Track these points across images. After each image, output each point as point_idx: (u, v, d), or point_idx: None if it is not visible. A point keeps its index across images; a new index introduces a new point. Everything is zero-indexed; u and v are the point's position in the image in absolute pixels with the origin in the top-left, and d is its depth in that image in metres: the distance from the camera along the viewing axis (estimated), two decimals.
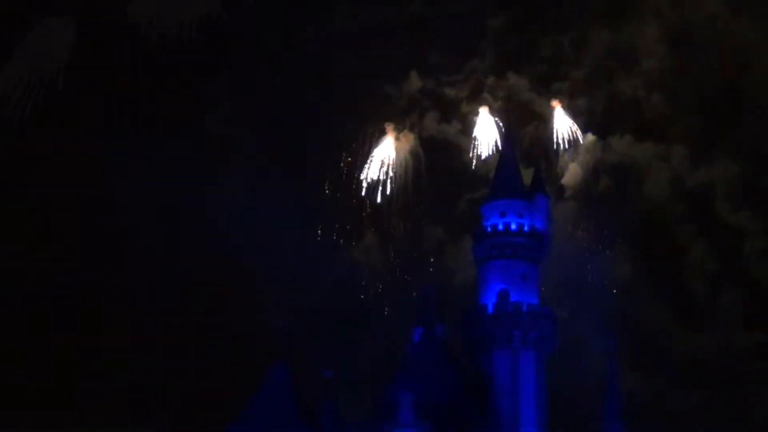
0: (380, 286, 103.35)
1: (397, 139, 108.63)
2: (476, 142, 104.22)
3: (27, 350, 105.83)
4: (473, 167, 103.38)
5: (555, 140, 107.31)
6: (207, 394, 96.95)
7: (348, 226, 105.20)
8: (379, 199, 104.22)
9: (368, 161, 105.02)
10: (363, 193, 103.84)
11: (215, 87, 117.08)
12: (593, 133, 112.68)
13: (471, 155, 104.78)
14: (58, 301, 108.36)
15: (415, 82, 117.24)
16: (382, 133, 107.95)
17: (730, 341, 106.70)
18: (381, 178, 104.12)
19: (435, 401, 72.69)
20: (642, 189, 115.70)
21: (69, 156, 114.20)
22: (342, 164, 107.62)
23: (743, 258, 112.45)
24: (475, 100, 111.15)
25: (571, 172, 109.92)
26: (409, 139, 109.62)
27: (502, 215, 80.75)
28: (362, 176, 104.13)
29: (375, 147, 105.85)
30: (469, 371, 78.41)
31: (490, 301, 78.94)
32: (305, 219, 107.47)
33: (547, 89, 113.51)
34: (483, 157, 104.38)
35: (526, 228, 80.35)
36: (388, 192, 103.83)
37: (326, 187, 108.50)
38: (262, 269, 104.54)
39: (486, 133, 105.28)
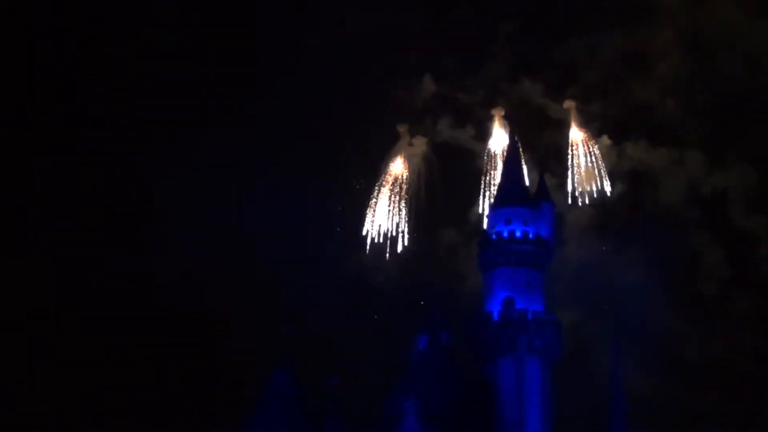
0: (387, 290, 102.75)
1: (410, 144, 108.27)
2: (489, 150, 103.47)
3: (27, 352, 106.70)
4: (486, 175, 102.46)
5: (569, 145, 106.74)
6: (210, 400, 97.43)
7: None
8: (388, 256, 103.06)
9: (379, 182, 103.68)
10: (368, 251, 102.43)
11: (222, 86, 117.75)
12: (608, 137, 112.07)
13: (484, 162, 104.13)
14: (61, 303, 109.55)
15: (428, 86, 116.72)
16: (395, 138, 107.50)
17: (742, 345, 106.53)
18: (391, 231, 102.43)
19: (440, 408, 72.91)
20: (657, 194, 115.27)
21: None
22: (353, 182, 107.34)
23: (756, 263, 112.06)
24: (489, 105, 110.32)
25: (585, 177, 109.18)
26: (422, 144, 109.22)
27: (508, 222, 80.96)
28: (366, 229, 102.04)
29: (388, 158, 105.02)
30: (474, 378, 78.43)
31: (495, 309, 79.17)
32: (313, 224, 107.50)
33: (561, 94, 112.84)
34: (496, 164, 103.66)
35: (531, 235, 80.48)
36: (399, 249, 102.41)
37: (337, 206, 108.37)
38: (267, 274, 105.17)
39: (499, 138, 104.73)
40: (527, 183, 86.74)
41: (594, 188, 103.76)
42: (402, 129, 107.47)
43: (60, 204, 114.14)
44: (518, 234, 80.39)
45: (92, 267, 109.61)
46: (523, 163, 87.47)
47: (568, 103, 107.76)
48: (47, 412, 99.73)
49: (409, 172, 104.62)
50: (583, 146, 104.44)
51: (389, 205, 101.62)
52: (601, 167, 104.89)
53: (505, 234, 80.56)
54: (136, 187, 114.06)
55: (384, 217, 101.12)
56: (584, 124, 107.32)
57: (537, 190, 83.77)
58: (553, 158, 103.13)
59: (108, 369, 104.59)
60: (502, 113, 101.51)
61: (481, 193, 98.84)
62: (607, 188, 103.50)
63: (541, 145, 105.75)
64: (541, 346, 78.19)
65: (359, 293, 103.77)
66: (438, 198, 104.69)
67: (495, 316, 78.80)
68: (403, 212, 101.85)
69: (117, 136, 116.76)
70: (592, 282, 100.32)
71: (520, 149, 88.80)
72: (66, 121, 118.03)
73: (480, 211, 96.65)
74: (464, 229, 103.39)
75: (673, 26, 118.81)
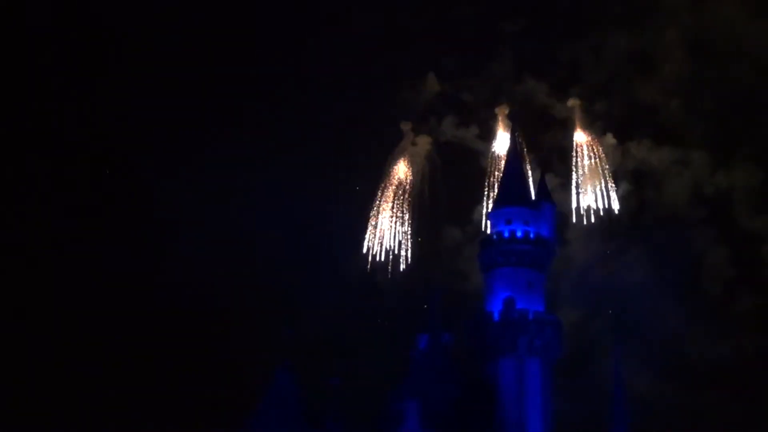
0: (388, 291, 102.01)
1: (413, 143, 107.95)
2: (493, 149, 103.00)
3: (27, 352, 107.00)
4: (489, 176, 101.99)
5: (574, 145, 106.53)
6: (212, 400, 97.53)
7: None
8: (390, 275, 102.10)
9: (382, 184, 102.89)
10: (368, 268, 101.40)
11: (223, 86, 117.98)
12: (613, 136, 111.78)
13: (488, 161, 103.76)
14: (61, 302, 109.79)
15: (432, 85, 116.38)
16: (399, 137, 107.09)
17: (746, 345, 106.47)
18: (393, 248, 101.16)
19: (440, 409, 72.79)
20: (660, 194, 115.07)
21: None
22: (356, 186, 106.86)
23: (761, 263, 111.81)
24: (493, 104, 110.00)
25: (589, 177, 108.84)
26: (426, 143, 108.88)
27: (508, 223, 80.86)
28: (367, 245, 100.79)
29: (391, 159, 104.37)
30: (475, 379, 78.27)
31: (495, 309, 79.03)
32: (314, 225, 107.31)
33: (565, 94, 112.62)
34: (499, 164, 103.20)
35: (531, 235, 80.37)
36: (402, 266, 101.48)
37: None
38: (268, 275, 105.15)
39: (503, 138, 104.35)
40: (530, 183, 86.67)
41: (598, 194, 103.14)
42: (405, 127, 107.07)
43: (60, 204, 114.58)
44: (519, 234, 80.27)
45: (92, 267, 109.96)
46: (525, 163, 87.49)
47: (573, 102, 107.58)
48: (47, 412, 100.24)
49: (412, 174, 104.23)
50: (588, 147, 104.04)
51: (391, 219, 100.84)
52: (605, 169, 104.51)
53: (506, 234, 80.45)
54: (137, 187, 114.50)
55: (386, 232, 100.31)
56: (588, 125, 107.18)
57: (538, 190, 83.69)
58: (557, 158, 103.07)
59: (109, 368, 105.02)
60: (506, 112, 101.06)
61: (485, 193, 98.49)
62: (615, 205, 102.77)
63: (544, 145, 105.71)
64: (542, 347, 78.11)
65: (361, 293, 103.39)
66: (442, 197, 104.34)
67: (495, 316, 78.65)
68: (406, 223, 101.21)
69: (117, 136, 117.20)
70: (595, 282, 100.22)
71: (524, 149, 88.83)
72: (65, 121, 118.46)
73: (483, 210, 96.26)
74: (468, 228, 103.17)
75: (676, 27, 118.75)
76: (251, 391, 76.35)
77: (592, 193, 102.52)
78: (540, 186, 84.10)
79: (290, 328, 75.87)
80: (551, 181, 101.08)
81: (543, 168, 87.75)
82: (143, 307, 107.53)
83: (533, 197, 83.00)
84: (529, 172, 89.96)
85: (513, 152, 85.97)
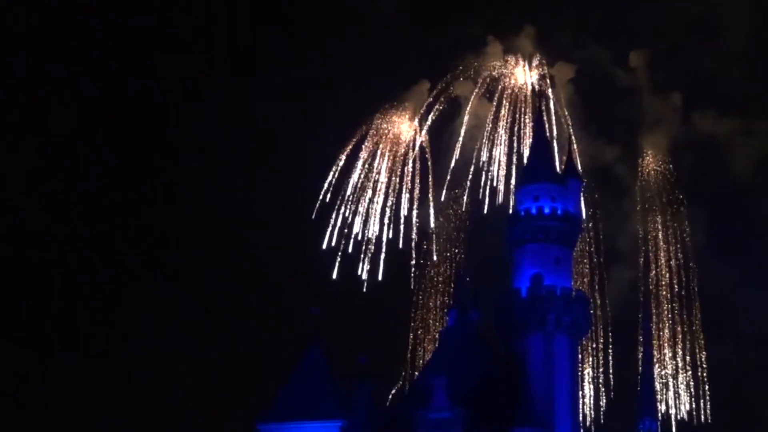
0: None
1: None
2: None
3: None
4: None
5: (640, 113, 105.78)
6: (243, 377, 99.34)
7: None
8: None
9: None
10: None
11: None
12: (680, 95, 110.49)
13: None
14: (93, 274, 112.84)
15: (496, 49, 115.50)
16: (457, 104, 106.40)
17: None
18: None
19: (469, 385, 73.21)
20: (725, 164, 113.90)
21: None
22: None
23: None
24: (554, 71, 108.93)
25: (652, 147, 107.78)
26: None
27: (535, 199, 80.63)
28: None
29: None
30: (503, 355, 78.69)
31: (523, 285, 78.99)
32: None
33: (627, 62, 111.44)
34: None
35: (559, 212, 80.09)
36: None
37: None
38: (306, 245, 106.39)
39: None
40: (575, 159, 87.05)
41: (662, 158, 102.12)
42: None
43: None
44: (546, 210, 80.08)
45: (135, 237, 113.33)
46: (551, 139, 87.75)
47: (635, 61, 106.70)
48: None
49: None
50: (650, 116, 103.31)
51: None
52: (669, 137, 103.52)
53: (533, 210, 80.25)
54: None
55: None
56: (651, 91, 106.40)
57: (565, 167, 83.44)
58: (623, 128, 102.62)
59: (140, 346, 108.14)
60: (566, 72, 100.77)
61: None
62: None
63: (608, 114, 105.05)
64: (570, 323, 77.97)
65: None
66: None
67: (523, 292, 78.63)
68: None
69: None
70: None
71: (569, 123, 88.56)
72: None
73: None
74: None
75: None
76: (281, 368, 77.74)
77: (653, 164, 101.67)
78: (567, 162, 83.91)
79: (317, 308, 77.09)
80: (613, 151, 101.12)
81: (569, 143, 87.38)
82: (175, 282, 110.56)
83: (560, 174, 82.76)
84: (574, 145, 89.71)
85: (538, 128, 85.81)
